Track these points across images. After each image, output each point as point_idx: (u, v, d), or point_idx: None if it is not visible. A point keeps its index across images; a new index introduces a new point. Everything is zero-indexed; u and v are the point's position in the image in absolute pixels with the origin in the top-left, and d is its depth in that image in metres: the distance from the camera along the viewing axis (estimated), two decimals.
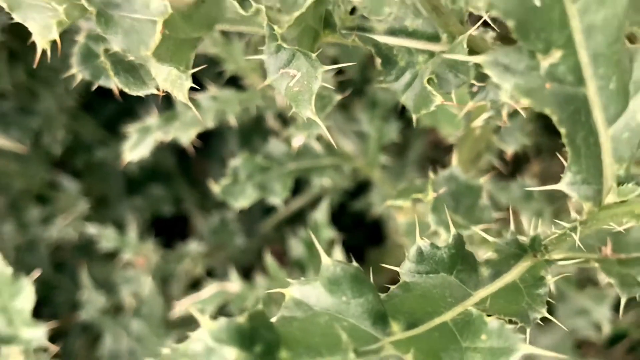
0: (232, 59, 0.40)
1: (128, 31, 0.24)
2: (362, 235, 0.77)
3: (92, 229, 0.66)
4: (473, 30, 0.25)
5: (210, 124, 0.39)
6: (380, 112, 0.50)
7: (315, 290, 0.22)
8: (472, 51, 0.26)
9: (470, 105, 0.27)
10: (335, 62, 0.47)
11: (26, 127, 0.70)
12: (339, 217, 0.67)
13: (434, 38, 0.26)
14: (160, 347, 0.58)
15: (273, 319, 0.20)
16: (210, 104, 0.40)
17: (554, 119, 0.22)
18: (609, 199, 0.24)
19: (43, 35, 0.26)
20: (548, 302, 0.25)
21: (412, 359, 0.20)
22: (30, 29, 0.26)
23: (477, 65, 0.25)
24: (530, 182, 0.51)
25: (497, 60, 0.21)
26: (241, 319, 0.18)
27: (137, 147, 0.44)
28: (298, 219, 0.70)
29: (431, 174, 0.35)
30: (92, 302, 0.67)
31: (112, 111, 0.77)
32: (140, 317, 0.59)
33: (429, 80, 0.24)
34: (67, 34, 0.29)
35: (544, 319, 0.25)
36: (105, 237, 0.66)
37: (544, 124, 0.54)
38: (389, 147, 0.55)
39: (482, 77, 0.26)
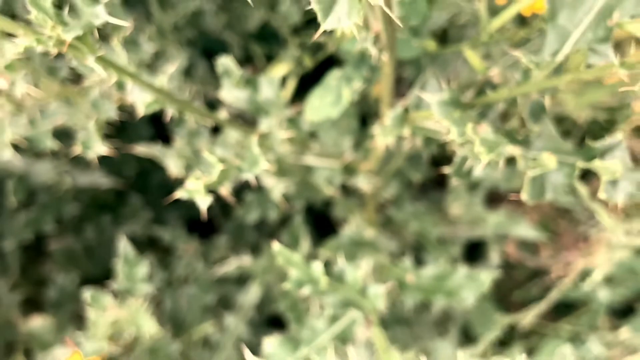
0: None
1: None
2: None
3: (158, 230, 1.16)
4: None
5: None
6: None
7: None
8: None
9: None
10: None
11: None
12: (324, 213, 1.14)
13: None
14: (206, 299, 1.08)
15: None
16: None
17: None
18: None
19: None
20: None
21: None
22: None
23: None
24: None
25: None
26: None
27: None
28: (288, 220, 1.19)
29: None
30: (157, 276, 1.16)
31: None
32: (194, 283, 1.08)
33: None
34: None
35: None
36: (166, 234, 1.15)
37: None
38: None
39: None
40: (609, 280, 1.13)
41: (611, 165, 0.48)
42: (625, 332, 1.06)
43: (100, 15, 0.39)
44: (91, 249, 1.27)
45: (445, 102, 0.50)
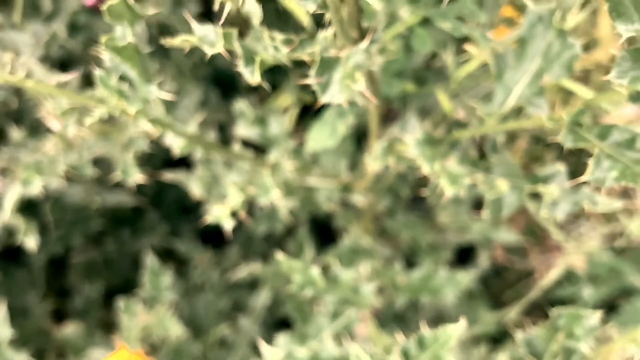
0: None
1: None
2: None
3: (174, 243, 1.31)
4: None
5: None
6: None
7: None
8: None
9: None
10: None
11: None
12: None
13: None
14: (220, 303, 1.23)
15: None
16: None
17: None
18: None
19: None
20: None
21: None
22: None
23: None
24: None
25: None
26: None
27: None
28: (294, 230, 1.34)
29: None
30: (175, 285, 1.31)
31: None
32: (210, 290, 1.23)
33: None
34: None
35: None
36: (182, 246, 1.30)
37: None
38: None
39: None
40: (594, 280, 1.27)
41: (550, 189, 0.63)
42: (612, 329, 1.20)
43: (153, 92, 0.54)
44: (111, 261, 1.41)
45: (420, 141, 0.65)
